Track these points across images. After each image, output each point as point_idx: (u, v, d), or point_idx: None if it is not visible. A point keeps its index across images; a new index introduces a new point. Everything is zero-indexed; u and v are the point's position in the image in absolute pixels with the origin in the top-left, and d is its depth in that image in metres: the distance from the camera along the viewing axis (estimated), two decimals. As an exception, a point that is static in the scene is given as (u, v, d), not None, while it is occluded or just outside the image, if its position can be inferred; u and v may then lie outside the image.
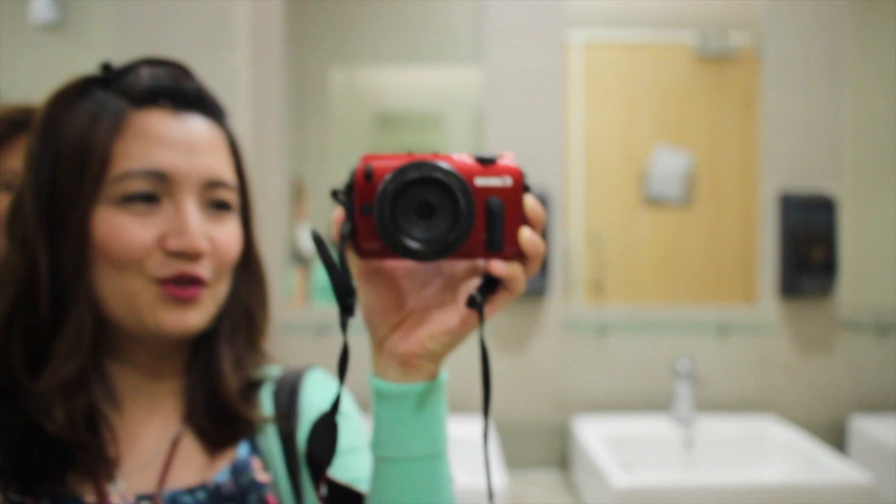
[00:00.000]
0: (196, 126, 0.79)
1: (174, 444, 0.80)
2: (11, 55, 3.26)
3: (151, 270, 0.75)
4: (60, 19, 3.18)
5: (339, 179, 0.65)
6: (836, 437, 2.33)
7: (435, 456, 0.68)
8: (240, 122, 2.09)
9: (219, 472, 0.80)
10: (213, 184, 0.79)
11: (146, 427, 0.81)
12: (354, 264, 0.65)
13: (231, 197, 0.81)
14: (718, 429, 2.17)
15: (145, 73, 0.79)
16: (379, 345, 0.68)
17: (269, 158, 2.24)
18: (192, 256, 0.76)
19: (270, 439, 0.83)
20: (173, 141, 0.76)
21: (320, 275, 2.39)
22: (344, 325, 0.65)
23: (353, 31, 2.68)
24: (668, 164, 2.50)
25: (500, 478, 1.75)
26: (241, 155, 0.85)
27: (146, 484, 0.78)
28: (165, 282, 0.75)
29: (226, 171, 0.80)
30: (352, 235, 0.63)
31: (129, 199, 0.75)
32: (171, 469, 0.79)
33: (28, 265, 0.75)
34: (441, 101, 2.80)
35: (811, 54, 2.34)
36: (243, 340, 0.85)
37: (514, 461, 2.29)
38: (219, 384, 0.81)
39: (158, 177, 0.75)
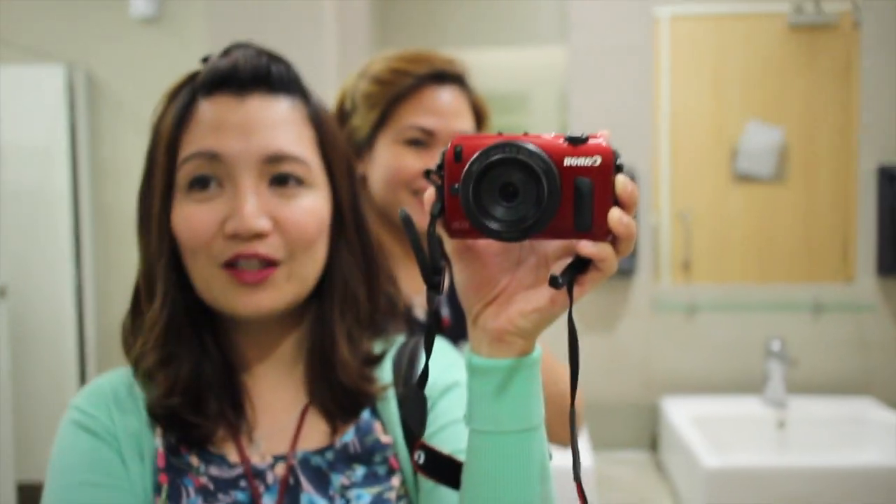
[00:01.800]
0: (257, 105, 0.80)
1: (304, 411, 0.85)
2: (113, 47, 3.41)
3: (217, 255, 0.78)
4: (158, 14, 3.31)
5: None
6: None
7: (528, 430, 0.69)
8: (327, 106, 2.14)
9: (344, 433, 0.84)
10: (273, 159, 0.79)
11: (278, 396, 0.86)
12: (446, 243, 0.67)
13: (301, 170, 0.80)
14: (813, 411, 2.12)
15: (211, 62, 0.82)
16: (473, 321, 0.69)
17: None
18: (248, 238, 0.77)
19: (390, 404, 0.86)
20: (228, 123, 0.78)
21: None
22: (431, 302, 0.67)
23: (438, 16, 2.70)
24: (760, 140, 2.44)
25: (587, 458, 1.76)
26: (328, 129, 0.86)
27: (279, 447, 0.83)
28: (229, 266, 0.78)
29: (291, 145, 0.80)
30: (441, 215, 0.64)
31: (191, 187, 0.78)
32: (302, 433, 0.84)
33: (139, 257, 0.84)
34: (527, 82, 2.80)
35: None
36: (352, 318, 0.86)
37: (603, 442, 2.29)
38: (337, 367, 0.84)
39: (210, 158, 0.77)
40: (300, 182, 0.80)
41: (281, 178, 0.79)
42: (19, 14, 3.38)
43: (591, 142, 0.62)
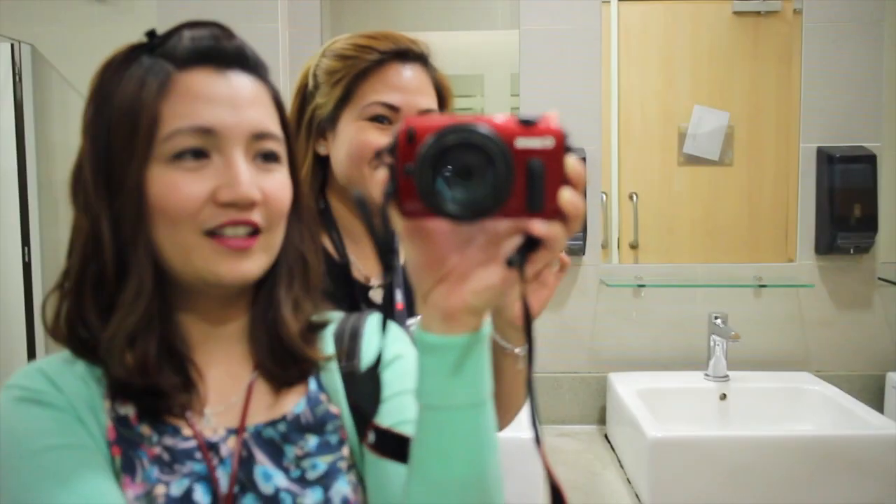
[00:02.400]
0: (239, 82, 0.82)
1: (250, 386, 0.86)
2: (60, 24, 3.34)
3: (205, 223, 0.79)
4: (107, -10, 3.25)
5: None
6: (874, 395, 2.34)
7: (477, 405, 0.70)
8: (281, 88, 2.13)
9: (295, 404, 0.86)
10: (259, 136, 0.81)
11: (226, 370, 0.87)
12: (398, 223, 0.67)
13: (278, 148, 0.83)
14: (753, 384, 2.19)
15: (187, 36, 0.82)
16: (423, 299, 0.70)
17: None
18: (245, 206, 0.79)
19: (334, 377, 0.88)
20: (218, 98, 0.80)
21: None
22: (386, 280, 0.70)
23: (393, 0, 2.70)
24: (707, 123, 2.50)
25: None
26: (285, 109, 0.89)
27: (231, 421, 0.84)
28: (218, 234, 0.79)
29: (271, 124, 0.83)
30: (394, 195, 0.65)
31: (180, 156, 0.79)
32: (251, 407, 0.85)
33: (91, 227, 0.81)
34: (480, 64, 2.81)
35: (851, 10, 2.32)
36: (300, 285, 0.88)
37: (552, 416, 2.34)
38: (280, 328, 0.85)
39: (206, 132, 0.79)
40: (276, 159, 0.83)
41: (265, 155, 0.82)
42: (-38, -11, 3.29)
43: (543, 123, 0.63)
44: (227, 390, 0.86)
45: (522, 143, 0.62)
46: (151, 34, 0.83)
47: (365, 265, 1.27)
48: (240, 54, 0.83)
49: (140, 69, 0.81)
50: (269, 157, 0.83)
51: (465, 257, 0.68)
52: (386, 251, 0.68)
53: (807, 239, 2.37)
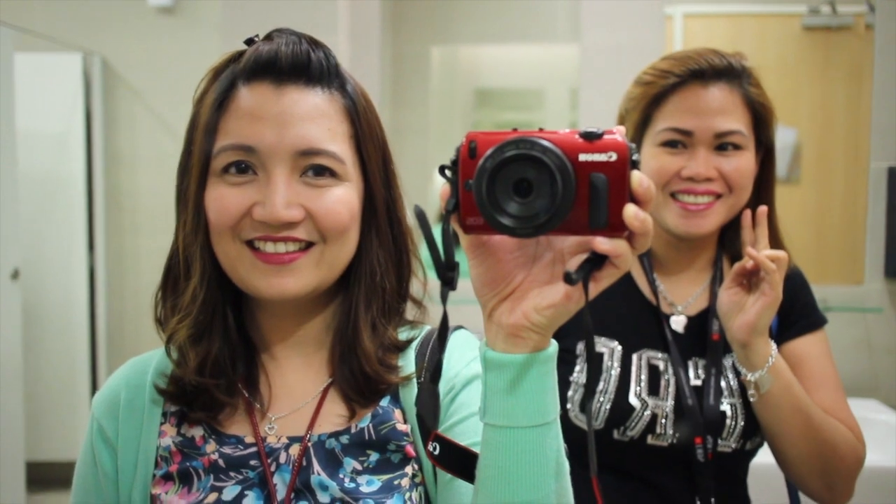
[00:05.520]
0: (294, 97, 0.81)
1: (323, 394, 0.87)
2: (129, 36, 3.43)
3: (243, 234, 0.80)
4: (174, 4, 3.33)
5: (440, 157, 0.66)
6: (945, 424, 2.25)
7: (542, 426, 0.68)
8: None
9: (362, 419, 0.85)
10: (307, 153, 0.80)
11: (298, 378, 0.88)
12: (462, 238, 0.67)
13: (333, 164, 0.82)
14: (818, 411, 2.12)
15: (257, 48, 0.83)
16: (488, 315, 0.69)
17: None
18: (276, 227, 0.79)
19: (412, 393, 0.87)
20: (266, 115, 0.80)
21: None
22: (444, 298, 0.67)
23: (453, 10, 2.71)
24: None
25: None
26: (364, 121, 0.86)
27: (297, 428, 0.85)
28: (257, 248, 0.80)
29: (324, 140, 0.81)
30: (455, 210, 0.64)
31: (226, 170, 0.81)
32: (319, 415, 0.85)
33: (175, 232, 0.87)
34: (540, 79, 2.80)
35: (926, 24, 2.25)
36: (378, 308, 0.87)
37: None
38: (358, 353, 0.85)
39: (245, 150, 0.79)
40: (332, 174, 0.82)
41: (314, 170, 0.81)
42: (37, 2, 3.41)
43: (607, 137, 0.61)
44: (300, 394, 0.87)
45: (585, 157, 0.61)
46: (249, 42, 0.85)
47: (675, 293, 1.25)
48: (298, 65, 0.82)
49: (218, 82, 0.83)
50: (321, 173, 0.82)
51: (529, 274, 0.67)
52: (443, 266, 0.67)
53: (876, 261, 2.29)
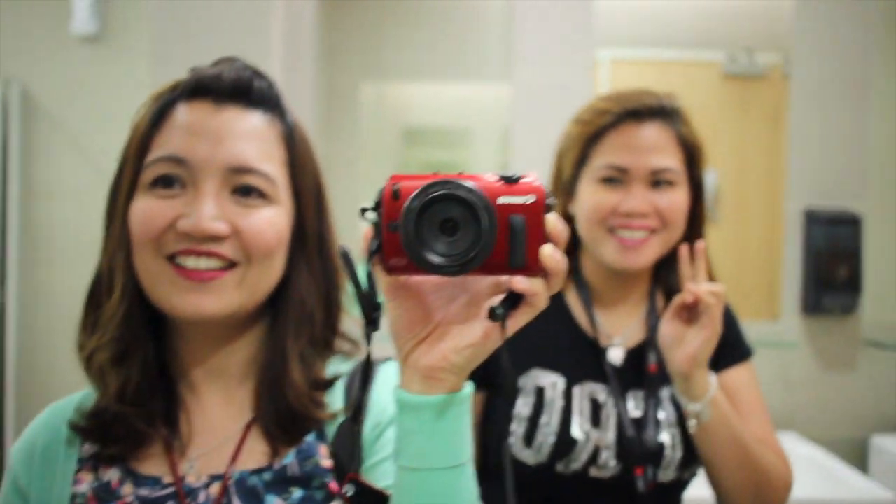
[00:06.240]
0: (232, 116, 0.81)
1: (245, 431, 0.84)
2: (51, 64, 3.34)
3: (164, 248, 0.78)
4: (100, 32, 3.26)
5: (369, 193, 0.67)
6: (858, 456, 2.33)
7: (456, 468, 0.69)
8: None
9: (285, 455, 0.83)
10: (238, 170, 0.80)
11: (220, 413, 0.85)
12: (382, 279, 0.67)
13: (265, 185, 0.81)
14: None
15: (200, 70, 0.83)
16: (404, 358, 0.69)
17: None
18: (200, 239, 0.77)
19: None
20: (201, 129, 0.80)
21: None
22: (368, 338, 0.69)
23: (384, 47, 2.73)
24: (693, 181, 2.53)
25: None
26: (300, 150, 0.86)
27: (218, 465, 0.82)
28: (179, 264, 0.78)
29: (258, 160, 0.81)
30: (379, 251, 0.65)
31: (154, 184, 0.79)
32: (241, 452, 0.83)
33: (100, 255, 0.85)
34: (469, 118, 2.83)
35: (838, 74, 2.36)
36: (307, 338, 0.86)
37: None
38: (284, 387, 0.83)
39: (176, 161, 0.79)
40: (263, 195, 0.82)
41: (244, 189, 0.81)
42: (-46, 26, 3.30)
43: (524, 181, 0.64)
44: (222, 430, 0.85)
45: (504, 199, 0.64)
46: (194, 70, 0.85)
47: (612, 326, 1.27)
48: (240, 87, 0.82)
49: (157, 103, 0.83)
50: (251, 193, 0.81)
51: (446, 316, 0.69)
52: (370, 307, 0.68)
53: (792, 298, 2.37)
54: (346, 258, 0.70)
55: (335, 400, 0.87)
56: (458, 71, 2.75)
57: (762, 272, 2.52)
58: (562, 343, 1.24)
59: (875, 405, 2.38)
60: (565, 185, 1.26)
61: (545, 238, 0.64)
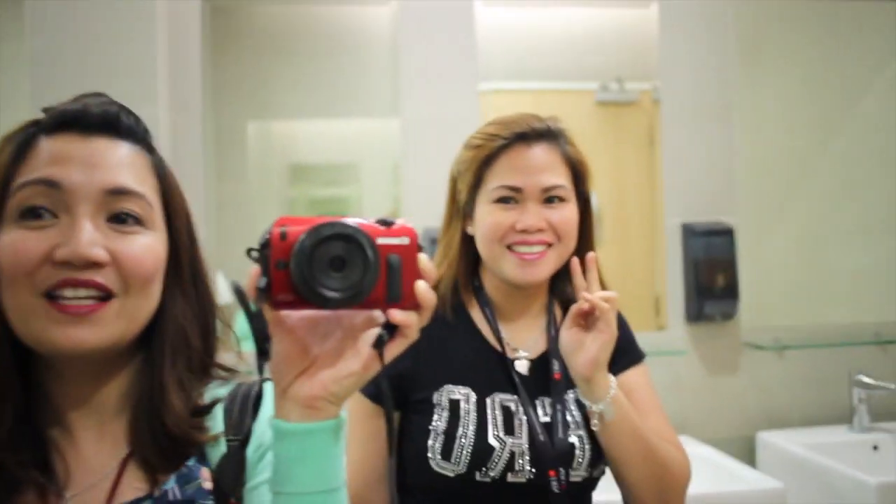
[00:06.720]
0: (103, 144, 0.80)
1: (123, 465, 0.82)
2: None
3: (42, 283, 0.74)
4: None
5: (257, 230, 0.71)
6: (746, 452, 2.47)
7: (333, 490, 0.74)
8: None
9: (165, 481, 0.82)
10: (114, 193, 0.78)
11: (96, 449, 0.83)
12: (267, 315, 0.72)
13: (142, 210, 0.80)
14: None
15: (62, 105, 0.81)
16: (283, 391, 0.74)
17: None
18: (82, 266, 0.74)
19: (220, 450, 0.85)
20: (72, 157, 0.77)
21: (240, 324, 2.40)
22: (261, 369, 0.74)
23: (271, 86, 2.74)
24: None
25: None
26: (170, 180, 0.86)
27: (96, 502, 0.80)
28: (51, 298, 0.74)
29: (132, 182, 0.80)
30: (268, 288, 0.71)
31: (24, 215, 0.75)
32: (120, 486, 0.81)
33: None
34: (356, 153, 2.85)
35: (704, 98, 2.54)
36: (184, 364, 0.85)
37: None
38: (164, 414, 0.81)
39: (48, 185, 0.76)
40: (139, 221, 0.80)
41: (120, 216, 0.79)
42: None
43: (398, 224, 0.72)
44: (98, 466, 0.82)
45: (382, 240, 0.71)
46: (46, 110, 0.82)
47: (516, 339, 1.32)
48: (107, 120, 0.81)
49: (14, 142, 0.80)
50: (129, 220, 0.79)
51: (324, 349, 0.74)
52: (264, 338, 0.72)
53: (676, 308, 2.51)
54: (240, 293, 0.72)
55: (216, 423, 0.86)
56: (344, 107, 2.78)
57: (645, 285, 2.64)
58: (471, 358, 1.29)
59: (758, 404, 2.54)
60: (462, 208, 1.32)
61: (418, 275, 0.72)
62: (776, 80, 2.71)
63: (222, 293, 2.43)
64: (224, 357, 0.92)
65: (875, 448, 2.37)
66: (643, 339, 1.41)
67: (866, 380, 2.42)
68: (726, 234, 2.47)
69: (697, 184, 2.53)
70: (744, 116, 2.60)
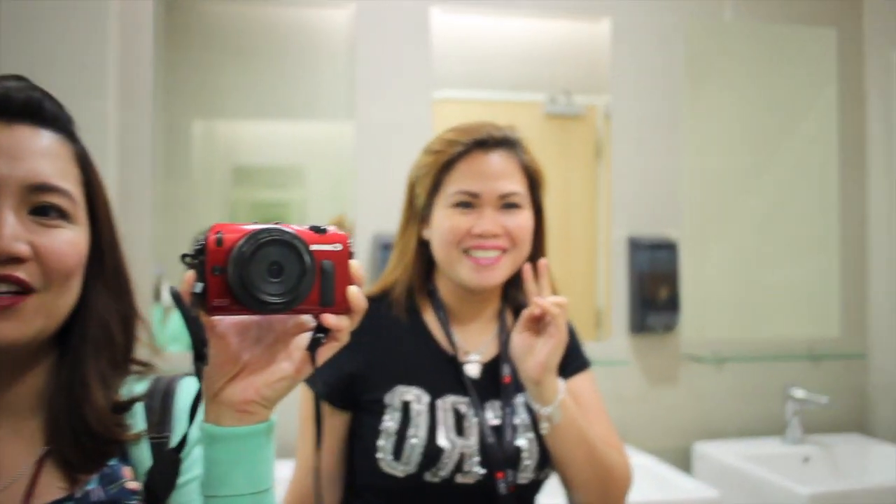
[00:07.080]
0: (26, 134, 0.78)
1: (39, 465, 0.79)
2: None
3: None
4: None
5: (199, 230, 0.72)
6: (683, 462, 2.52)
7: (264, 492, 0.75)
8: (107, 167, 2.07)
9: (87, 482, 0.80)
10: (37, 188, 0.76)
11: (9, 449, 0.80)
12: (202, 320, 0.73)
13: (64, 203, 0.78)
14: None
15: None
16: (214, 395, 0.74)
17: (134, 205, 2.23)
18: (2, 260, 0.73)
19: (142, 449, 0.84)
20: None
21: (172, 326, 2.37)
22: (199, 374, 0.73)
23: (220, 86, 2.70)
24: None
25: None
26: (93, 170, 0.85)
27: (11, 503, 0.77)
28: None
29: (56, 177, 0.78)
30: (203, 294, 0.71)
31: None
32: (37, 487, 0.78)
33: None
34: (302, 156, 2.83)
35: (652, 113, 2.60)
36: (107, 360, 0.83)
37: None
38: (85, 410, 0.79)
39: None
40: (62, 215, 0.79)
41: (43, 209, 0.77)
42: None
43: (331, 231, 0.75)
44: (11, 468, 0.79)
45: (316, 247, 0.73)
46: None
47: (468, 342, 1.34)
48: (30, 106, 0.79)
49: None
50: (52, 213, 0.78)
51: (255, 355, 0.75)
52: (201, 343, 0.72)
53: (620, 319, 2.55)
54: (178, 298, 0.72)
55: (137, 420, 0.85)
56: (293, 110, 2.76)
57: (586, 297, 2.68)
58: (423, 360, 1.31)
59: (695, 415, 2.59)
60: (419, 212, 1.33)
61: (350, 280, 0.75)
62: (720, 99, 2.78)
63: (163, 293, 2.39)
64: (139, 352, 0.90)
65: (806, 460, 2.44)
66: (587, 348, 1.44)
67: (799, 393, 2.50)
68: (670, 247, 2.52)
69: (643, 197, 2.58)
70: (689, 133, 2.66)
